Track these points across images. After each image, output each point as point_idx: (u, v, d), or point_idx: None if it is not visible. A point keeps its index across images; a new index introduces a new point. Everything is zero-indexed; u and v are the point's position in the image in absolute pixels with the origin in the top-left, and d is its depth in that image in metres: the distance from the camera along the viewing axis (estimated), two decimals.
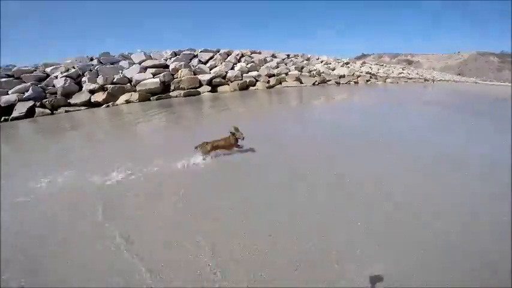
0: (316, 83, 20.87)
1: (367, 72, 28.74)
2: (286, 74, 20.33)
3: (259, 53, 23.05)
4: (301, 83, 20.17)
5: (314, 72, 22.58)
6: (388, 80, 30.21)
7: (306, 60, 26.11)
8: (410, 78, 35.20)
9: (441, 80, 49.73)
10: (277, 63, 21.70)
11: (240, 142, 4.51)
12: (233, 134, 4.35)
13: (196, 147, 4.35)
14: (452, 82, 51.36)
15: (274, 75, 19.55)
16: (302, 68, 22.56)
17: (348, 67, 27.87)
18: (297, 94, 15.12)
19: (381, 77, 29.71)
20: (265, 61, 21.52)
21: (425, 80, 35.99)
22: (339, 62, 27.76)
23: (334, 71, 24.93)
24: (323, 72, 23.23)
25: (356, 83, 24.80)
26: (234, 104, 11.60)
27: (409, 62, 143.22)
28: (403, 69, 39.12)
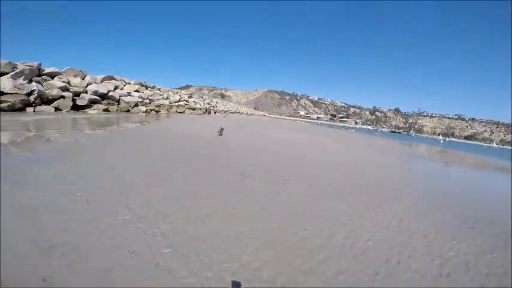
0: None
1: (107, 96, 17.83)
2: None
3: None
4: None
5: None
6: (143, 108, 21.11)
7: None
8: (194, 109, 29.35)
9: (234, 112, 51.90)
10: None
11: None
12: (222, 128, 10.08)
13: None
14: (243, 114, 55.60)
15: None
16: None
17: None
18: None
19: (141, 105, 20.01)
20: None
21: (207, 110, 31.88)
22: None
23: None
24: None
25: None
26: None
27: (223, 96, 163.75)
28: (189, 97, 33.55)
